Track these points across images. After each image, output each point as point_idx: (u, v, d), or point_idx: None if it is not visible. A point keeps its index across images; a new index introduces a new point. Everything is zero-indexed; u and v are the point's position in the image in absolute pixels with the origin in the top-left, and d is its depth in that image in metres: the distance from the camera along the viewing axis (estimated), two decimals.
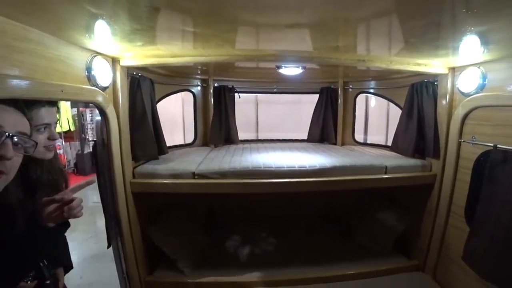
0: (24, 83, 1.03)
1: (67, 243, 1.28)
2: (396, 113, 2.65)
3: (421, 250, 2.20)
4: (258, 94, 3.49)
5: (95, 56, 1.52)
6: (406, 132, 2.26)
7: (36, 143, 0.88)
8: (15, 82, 1.00)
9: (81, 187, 1.03)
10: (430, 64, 1.86)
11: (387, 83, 2.74)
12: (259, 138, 3.39)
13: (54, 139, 1.10)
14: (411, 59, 1.79)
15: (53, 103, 1.16)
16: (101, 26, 1.18)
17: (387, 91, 2.79)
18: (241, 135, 3.11)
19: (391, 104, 2.88)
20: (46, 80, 1.19)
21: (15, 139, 0.80)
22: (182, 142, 2.91)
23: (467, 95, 1.82)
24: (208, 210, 2.76)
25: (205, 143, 2.96)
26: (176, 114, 3.46)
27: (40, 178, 1.10)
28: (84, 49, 1.47)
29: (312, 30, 1.30)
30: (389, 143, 2.54)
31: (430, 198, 2.12)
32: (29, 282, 0.92)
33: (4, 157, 0.77)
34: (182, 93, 2.91)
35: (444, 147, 1.98)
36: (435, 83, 2.05)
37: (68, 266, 1.25)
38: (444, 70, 1.91)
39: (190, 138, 2.99)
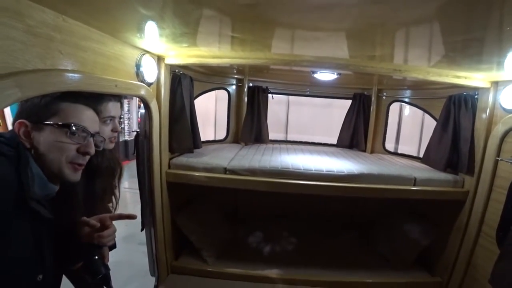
0: (87, 77, 1.17)
1: (115, 228, 1.43)
2: (431, 124, 2.59)
3: (446, 267, 2.14)
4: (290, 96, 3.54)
5: (143, 54, 1.65)
6: (439, 145, 2.20)
7: (105, 139, 1.01)
8: (79, 76, 1.14)
9: (121, 217, 1.07)
10: (471, 77, 1.81)
11: (423, 93, 2.68)
12: (288, 139, 3.44)
13: (117, 131, 1.24)
14: (450, 71, 1.75)
15: (118, 98, 1.30)
16: (151, 28, 1.29)
17: (422, 101, 2.72)
18: (271, 135, 3.18)
19: (426, 115, 2.80)
20: (103, 75, 1.33)
21: (94, 138, 0.95)
22: (212, 137, 3.05)
23: (509, 111, 1.75)
24: (233, 205, 2.87)
25: (236, 141, 3.06)
26: (208, 110, 3.60)
27: (100, 165, 1.24)
28: (135, 47, 1.61)
29: (349, 39, 1.33)
30: (421, 155, 2.48)
31: (460, 215, 2.05)
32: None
33: (88, 153, 0.92)
34: (217, 90, 3.04)
35: (480, 164, 1.91)
36: (475, 96, 1.98)
37: (112, 245, 1.40)
38: (486, 84, 1.84)
39: (220, 134, 3.11)
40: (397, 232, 2.43)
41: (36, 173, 0.84)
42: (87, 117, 0.95)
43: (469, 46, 1.21)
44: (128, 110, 7.42)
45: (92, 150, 0.94)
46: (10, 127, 3.81)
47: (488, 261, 1.76)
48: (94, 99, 1.14)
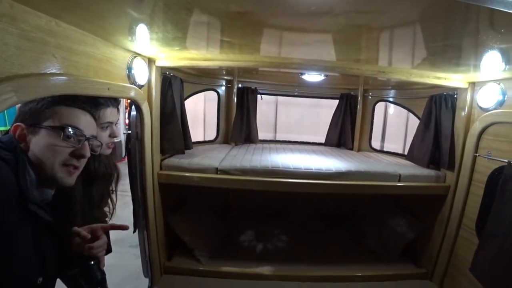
0: (81, 81, 1.17)
1: (106, 239, 1.43)
2: (415, 122, 2.70)
3: (430, 258, 2.25)
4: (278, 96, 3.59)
5: (135, 57, 1.66)
6: (422, 143, 2.30)
7: (102, 144, 1.01)
8: (74, 80, 1.15)
9: (113, 227, 1.07)
10: (450, 78, 1.91)
11: (406, 93, 2.79)
12: (277, 138, 3.50)
13: (115, 137, 1.25)
14: (431, 72, 1.84)
15: (116, 104, 1.31)
16: (143, 31, 1.31)
17: (406, 101, 2.83)
18: (260, 135, 3.22)
19: (411, 113, 2.92)
20: (95, 79, 1.34)
21: (90, 141, 0.96)
22: (202, 138, 3.06)
23: (485, 110, 1.85)
24: (225, 204, 2.90)
25: (226, 141, 3.09)
26: (197, 111, 3.61)
27: (98, 171, 1.25)
28: (127, 50, 1.61)
29: (337, 44, 1.38)
30: (406, 152, 2.59)
31: (442, 209, 2.16)
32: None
33: (83, 156, 0.92)
34: (206, 91, 3.05)
35: (460, 159, 2.02)
36: (454, 96, 2.09)
37: (108, 249, 1.40)
38: (464, 85, 1.95)
39: (209, 135, 3.13)
40: (384, 227, 2.53)
41: (34, 177, 0.85)
42: (82, 121, 0.95)
43: (448, 50, 1.29)
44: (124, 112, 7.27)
45: (88, 153, 0.94)
46: None
47: (468, 251, 1.87)
48: (92, 105, 1.15)
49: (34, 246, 0.84)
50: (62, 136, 0.87)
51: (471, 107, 1.96)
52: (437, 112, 2.18)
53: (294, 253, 2.45)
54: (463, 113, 2.00)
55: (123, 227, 1.09)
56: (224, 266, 2.18)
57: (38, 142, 0.86)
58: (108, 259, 1.12)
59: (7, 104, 0.82)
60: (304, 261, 2.32)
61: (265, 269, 2.18)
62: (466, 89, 1.95)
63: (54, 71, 1.07)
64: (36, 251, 0.85)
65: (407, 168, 2.26)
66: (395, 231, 2.42)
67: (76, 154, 0.90)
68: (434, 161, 2.24)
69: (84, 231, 0.97)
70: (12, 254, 0.77)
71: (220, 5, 0.94)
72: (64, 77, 1.09)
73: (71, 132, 0.89)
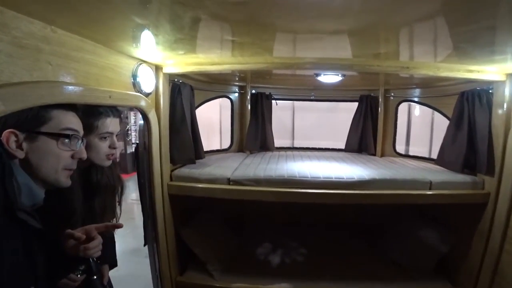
0: (78, 89, 1.13)
1: (114, 242, 1.39)
2: (441, 122, 2.48)
3: (469, 276, 1.99)
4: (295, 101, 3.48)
5: (140, 64, 1.62)
6: (454, 145, 2.09)
7: (83, 140, 0.98)
8: (70, 88, 1.10)
9: (107, 227, 1.05)
10: (484, 71, 1.70)
11: (433, 91, 2.58)
12: (295, 145, 3.36)
13: (114, 148, 1.21)
14: (462, 65, 1.65)
15: (118, 114, 1.27)
16: (146, 36, 1.26)
17: (432, 100, 2.62)
18: (277, 142, 3.11)
19: (436, 113, 2.69)
20: (96, 87, 1.29)
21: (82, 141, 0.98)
22: (218, 147, 3.00)
23: None
24: (239, 216, 2.79)
25: (241, 149, 3.01)
26: (213, 119, 3.57)
27: (100, 182, 1.23)
28: (131, 57, 1.58)
29: (352, 38, 1.27)
30: (433, 156, 2.37)
31: (482, 219, 1.91)
32: (78, 275, 0.99)
33: (82, 158, 0.95)
34: (220, 98, 3.00)
35: (500, 162, 1.78)
36: (490, 91, 1.87)
37: (113, 264, 1.34)
38: (501, 77, 1.73)
39: (226, 143, 3.06)
40: (412, 238, 2.30)
41: (22, 183, 0.82)
42: (75, 122, 0.96)
43: (479, 36, 1.12)
44: (135, 122, 7.47)
45: (85, 155, 0.96)
46: None
47: None
48: (91, 114, 1.15)
49: (24, 254, 0.81)
50: (62, 141, 0.89)
51: (511, 102, 1.74)
52: (470, 110, 1.96)
53: (313, 267, 2.28)
54: (501, 110, 1.78)
55: (117, 226, 1.09)
56: (238, 281, 2.05)
57: (38, 149, 0.86)
58: (124, 269, 1.08)
59: None
60: (324, 277, 2.14)
61: (281, 286, 2.03)
62: (504, 82, 1.73)
63: (49, 79, 1.03)
64: (26, 259, 0.82)
65: (438, 174, 2.05)
66: (426, 244, 2.19)
67: (76, 157, 0.93)
68: (469, 165, 2.01)
69: (78, 232, 0.96)
70: (1, 262, 0.74)
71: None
72: (59, 85, 1.05)
73: (70, 136, 0.91)
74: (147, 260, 3.38)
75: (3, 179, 0.76)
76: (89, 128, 1.13)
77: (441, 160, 2.22)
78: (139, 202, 1.85)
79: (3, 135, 0.83)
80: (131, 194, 5.07)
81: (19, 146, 0.83)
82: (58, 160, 0.89)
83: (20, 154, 0.83)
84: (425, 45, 1.33)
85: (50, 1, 0.83)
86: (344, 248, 2.57)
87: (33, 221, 0.82)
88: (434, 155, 2.34)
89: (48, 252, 0.91)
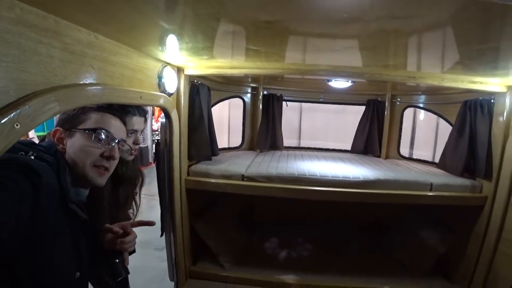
0: (115, 90, 1.23)
1: (136, 235, 1.50)
2: (445, 128, 2.58)
3: (465, 275, 2.10)
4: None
5: (165, 66, 1.72)
6: (455, 150, 2.19)
7: (131, 148, 1.08)
8: (109, 89, 1.21)
9: (141, 224, 1.14)
10: (487, 82, 1.80)
11: (437, 98, 2.67)
12: (301, 145, 3.47)
13: (138, 144, 1.32)
14: (466, 76, 1.75)
15: (143, 113, 1.38)
16: (173, 41, 1.35)
17: (437, 106, 2.72)
18: (285, 142, 3.22)
19: (441, 119, 2.79)
20: (129, 88, 1.40)
21: (120, 144, 1.03)
22: (226, 144, 3.10)
23: None
24: (250, 211, 2.91)
25: (251, 147, 3.12)
26: (222, 117, 3.66)
27: (125, 175, 1.33)
28: (157, 60, 1.68)
29: (364, 50, 1.36)
30: (437, 160, 2.47)
31: (478, 221, 2.03)
32: None
33: (113, 158, 0.98)
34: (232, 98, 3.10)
35: (498, 168, 1.89)
36: (492, 101, 1.97)
37: (132, 250, 1.46)
38: (502, 89, 1.83)
39: (234, 141, 3.16)
40: (413, 238, 2.42)
41: (70, 178, 0.91)
42: (112, 125, 1.02)
43: (484, 54, 1.22)
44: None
45: (117, 155, 1.00)
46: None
47: (509, 267, 1.74)
48: (121, 112, 1.22)
49: (72, 243, 0.91)
50: (93, 137, 0.95)
51: (510, 112, 1.84)
52: (472, 118, 2.07)
53: (318, 262, 2.40)
54: (501, 119, 1.88)
55: (150, 223, 1.15)
56: (248, 273, 2.18)
57: (73, 144, 0.94)
58: (133, 261, 1.17)
59: (51, 113, 0.88)
60: (329, 271, 2.26)
61: (289, 278, 2.15)
62: (504, 93, 1.84)
63: (92, 81, 1.13)
64: (74, 247, 0.91)
65: (439, 177, 2.16)
66: (426, 243, 2.30)
67: (106, 155, 0.96)
68: (469, 170, 2.12)
69: (115, 227, 1.04)
70: (54, 250, 0.83)
71: (250, 15, 0.95)
72: (100, 87, 1.15)
73: (102, 135, 0.96)
74: (157, 252, 3.52)
75: (59, 173, 0.86)
76: None
77: (443, 164, 2.33)
78: (147, 196, 1.95)
79: (52, 132, 0.94)
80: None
81: (61, 142, 0.94)
82: (87, 156, 0.93)
83: (63, 150, 0.94)
84: (432, 58, 1.43)
85: (96, 10, 0.93)
86: (349, 245, 2.69)
87: (81, 212, 0.91)
88: (438, 159, 2.44)
89: (91, 242, 1.02)
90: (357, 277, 2.20)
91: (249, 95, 3.07)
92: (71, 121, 0.97)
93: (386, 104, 2.98)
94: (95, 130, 0.96)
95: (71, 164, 0.93)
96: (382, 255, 2.54)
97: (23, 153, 0.83)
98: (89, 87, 1.08)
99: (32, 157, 0.83)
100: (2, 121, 0.72)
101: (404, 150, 3.12)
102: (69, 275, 0.89)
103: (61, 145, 0.94)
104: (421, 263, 2.29)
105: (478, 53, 1.21)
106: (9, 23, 0.77)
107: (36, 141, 1.13)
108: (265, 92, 3.02)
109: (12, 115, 0.74)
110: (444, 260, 2.29)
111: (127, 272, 1.09)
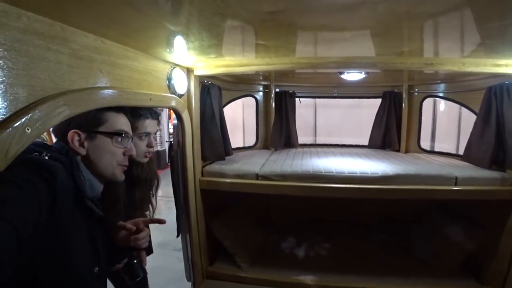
0: (124, 93, 1.25)
1: (149, 231, 1.53)
2: (469, 118, 2.44)
3: (498, 275, 1.94)
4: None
5: (174, 67, 1.73)
6: (481, 140, 2.06)
7: (132, 138, 1.10)
8: (118, 92, 1.22)
9: (152, 221, 1.20)
10: None
11: (458, 86, 2.53)
12: (317, 142, 3.40)
13: (151, 147, 1.33)
14: (489, 59, 1.63)
15: (156, 116, 1.40)
16: (181, 42, 1.36)
17: (458, 95, 2.57)
18: (299, 139, 3.17)
19: (464, 108, 2.64)
20: (138, 90, 1.42)
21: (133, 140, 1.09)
22: (241, 144, 3.10)
23: None
24: (265, 210, 2.88)
25: (265, 146, 3.09)
26: (236, 117, 3.67)
27: (140, 176, 1.37)
28: (166, 62, 1.69)
29: (376, 37, 1.30)
30: (461, 152, 2.33)
31: (510, 216, 1.89)
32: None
33: (132, 155, 1.06)
34: (243, 98, 3.09)
35: None
36: None
37: (149, 250, 1.48)
38: None
39: (249, 141, 3.15)
40: (437, 235, 2.29)
41: (86, 177, 0.95)
42: (126, 123, 1.08)
43: (507, 31, 1.13)
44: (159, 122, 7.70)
45: (134, 152, 1.07)
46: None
47: None
48: (133, 115, 1.25)
49: (90, 239, 0.94)
50: (116, 140, 1.01)
51: None
52: (499, 105, 1.93)
53: (337, 261, 2.33)
54: None
55: (161, 221, 1.18)
56: (264, 273, 2.15)
57: (96, 146, 0.98)
58: (152, 261, 1.18)
59: (61, 117, 0.90)
60: (348, 271, 2.18)
61: (307, 278, 2.09)
62: None
63: (100, 85, 1.15)
64: (91, 243, 0.94)
65: (464, 170, 2.03)
66: (452, 241, 2.17)
67: (126, 154, 1.05)
68: (497, 161, 1.98)
69: (128, 224, 1.08)
70: (73, 247, 0.86)
71: (252, 6, 0.93)
72: (109, 90, 1.17)
73: (122, 135, 1.02)
74: (175, 253, 3.56)
75: (73, 172, 0.88)
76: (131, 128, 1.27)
77: (468, 156, 2.20)
78: (165, 198, 1.98)
79: (68, 135, 0.96)
80: (158, 191, 5.29)
81: (81, 145, 0.96)
82: (113, 156, 1.00)
83: (82, 151, 0.96)
84: (449, 42, 1.34)
85: (101, 15, 0.94)
86: (368, 244, 2.60)
87: (97, 209, 0.95)
88: (462, 151, 2.30)
89: (107, 238, 1.05)
90: (377, 277, 2.11)
91: (261, 93, 3.04)
92: (88, 123, 1.00)
93: (404, 95, 2.85)
94: (120, 133, 1.02)
95: (99, 165, 0.98)
96: (403, 254, 2.43)
97: (37, 154, 0.85)
98: (98, 91, 1.10)
99: (46, 157, 0.85)
100: (14, 126, 0.74)
101: (425, 143, 2.99)
102: (88, 270, 0.92)
103: (81, 148, 0.96)
104: (447, 262, 2.16)
105: (500, 31, 1.12)
106: (18, 32, 0.79)
107: None
108: (277, 90, 2.99)
109: (23, 120, 0.76)
110: (473, 259, 2.15)
111: (145, 273, 1.12)
